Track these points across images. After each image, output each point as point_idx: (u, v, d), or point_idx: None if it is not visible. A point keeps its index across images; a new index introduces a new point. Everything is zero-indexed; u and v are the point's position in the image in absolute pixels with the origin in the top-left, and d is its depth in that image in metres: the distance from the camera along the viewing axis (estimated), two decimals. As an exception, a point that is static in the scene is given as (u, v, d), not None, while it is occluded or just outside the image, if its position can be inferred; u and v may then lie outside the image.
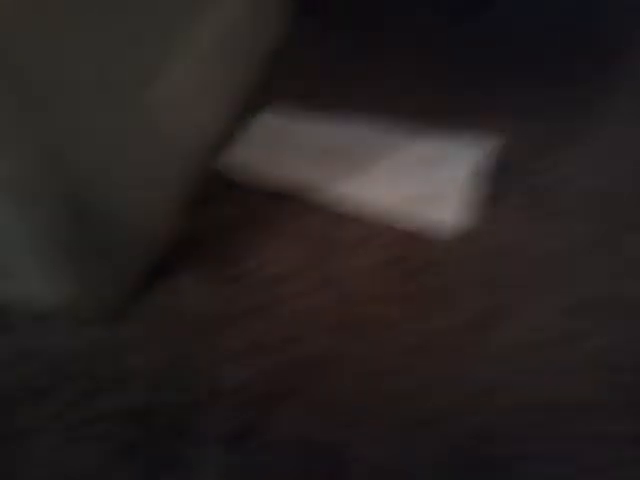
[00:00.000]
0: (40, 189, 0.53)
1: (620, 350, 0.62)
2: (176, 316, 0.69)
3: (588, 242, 0.72)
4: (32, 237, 0.57)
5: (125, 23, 0.58)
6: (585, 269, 0.70)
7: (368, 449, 0.56)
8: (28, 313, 0.67)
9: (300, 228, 0.77)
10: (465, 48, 1.00)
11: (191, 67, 0.77)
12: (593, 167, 0.81)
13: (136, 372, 0.63)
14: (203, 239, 0.78)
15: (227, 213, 0.80)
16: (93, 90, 0.55)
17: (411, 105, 0.91)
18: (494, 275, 0.70)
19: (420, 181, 0.81)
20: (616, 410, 0.57)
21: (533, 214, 0.76)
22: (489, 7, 1.08)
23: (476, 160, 0.82)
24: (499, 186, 0.79)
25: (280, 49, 1.02)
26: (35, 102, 0.48)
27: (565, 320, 0.65)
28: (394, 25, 1.09)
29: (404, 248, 0.74)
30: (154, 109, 0.67)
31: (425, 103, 0.91)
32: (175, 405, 0.60)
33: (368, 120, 0.90)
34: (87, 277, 0.62)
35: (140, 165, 0.66)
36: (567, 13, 1.05)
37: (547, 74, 0.94)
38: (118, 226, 0.63)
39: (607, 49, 0.99)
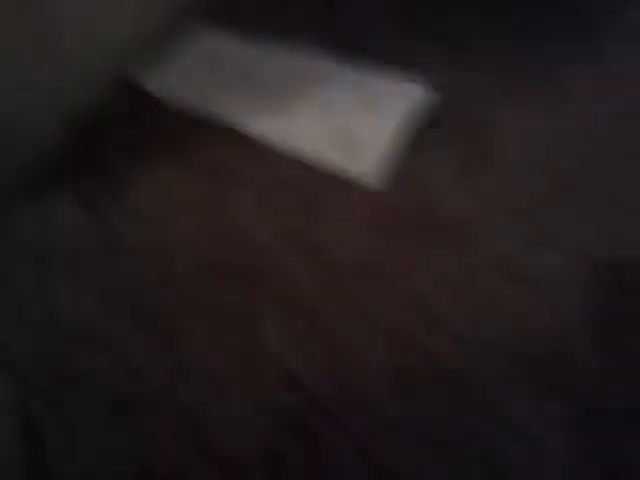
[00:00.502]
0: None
1: None
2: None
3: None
4: None
5: None
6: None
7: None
8: None
9: (205, 160, 0.72)
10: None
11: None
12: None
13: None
14: (95, 154, 0.72)
15: (131, 132, 0.74)
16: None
17: (356, 40, 0.85)
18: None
19: (351, 122, 0.74)
20: None
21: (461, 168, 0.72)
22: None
23: (411, 109, 0.75)
24: (428, 138, 0.75)
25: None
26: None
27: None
28: None
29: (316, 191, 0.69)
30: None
31: (372, 42, 0.85)
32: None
33: (303, 46, 0.82)
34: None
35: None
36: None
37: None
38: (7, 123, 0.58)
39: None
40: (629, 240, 0.62)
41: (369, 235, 0.65)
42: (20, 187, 0.66)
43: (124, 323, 0.58)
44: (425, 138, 0.73)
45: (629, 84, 0.76)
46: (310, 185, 0.69)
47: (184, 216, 0.67)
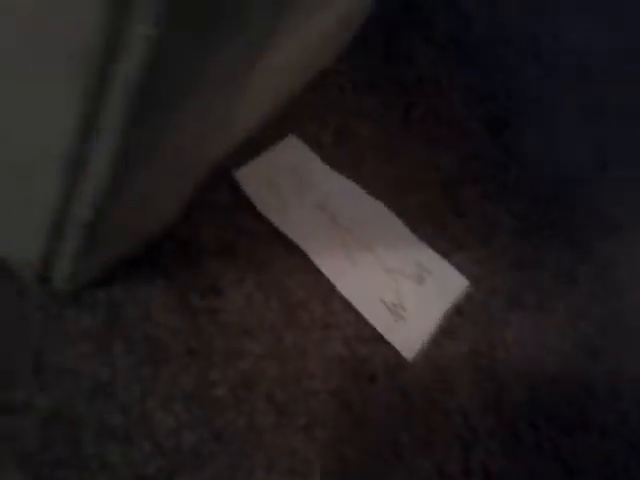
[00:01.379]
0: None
1: None
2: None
3: None
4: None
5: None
6: None
7: None
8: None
9: (280, 285, 0.79)
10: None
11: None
12: None
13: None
14: (189, 246, 0.76)
15: (221, 235, 0.80)
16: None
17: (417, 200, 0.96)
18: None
19: (405, 295, 0.85)
20: None
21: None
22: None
23: (457, 294, 0.88)
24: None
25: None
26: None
27: None
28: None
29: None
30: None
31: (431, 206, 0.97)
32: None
33: (375, 197, 0.92)
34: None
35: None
36: None
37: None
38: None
39: None
40: None
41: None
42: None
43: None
44: (449, 323, 0.86)
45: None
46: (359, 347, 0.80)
47: (258, 340, 0.74)
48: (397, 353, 0.79)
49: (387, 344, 0.80)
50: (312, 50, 0.90)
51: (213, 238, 0.77)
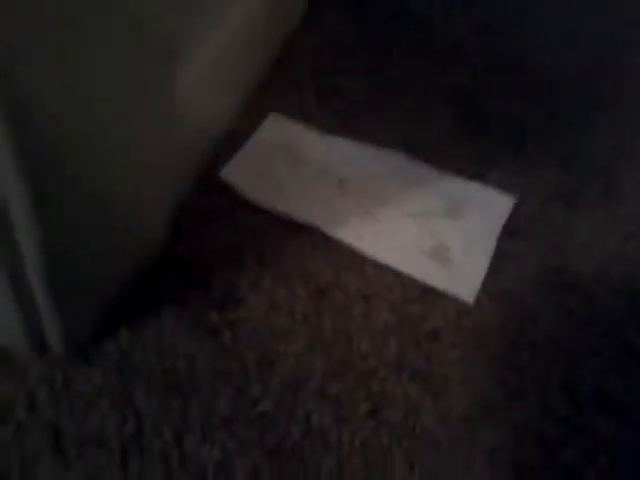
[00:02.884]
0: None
1: None
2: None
3: None
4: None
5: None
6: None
7: None
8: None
9: (300, 272, 0.70)
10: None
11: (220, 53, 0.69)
12: None
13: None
14: (192, 263, 0.69)
15: (222, 241, 0.72)
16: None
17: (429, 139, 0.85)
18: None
19: (445, 236, 0.74)
20: None
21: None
22: None
23: (500, 220, 0.76)
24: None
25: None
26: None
27: None
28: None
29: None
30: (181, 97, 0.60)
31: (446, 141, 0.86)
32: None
33: (379, 146, 0.81)
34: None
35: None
36: None
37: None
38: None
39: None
40: None
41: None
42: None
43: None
44: (505, 248, 0.75)
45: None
46: (409, 301, 0.70)
47: (294, 337, 0.67)
48: (456, 300, 0.69)
49: (441, 294, 0.70)
50: (265, 17, 0.83)
51: (215, 247, 0.70)
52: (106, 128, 0.48)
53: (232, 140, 0.79)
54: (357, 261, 0.71)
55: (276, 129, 0.81)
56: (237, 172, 0.76)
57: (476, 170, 0.81)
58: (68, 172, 0.47)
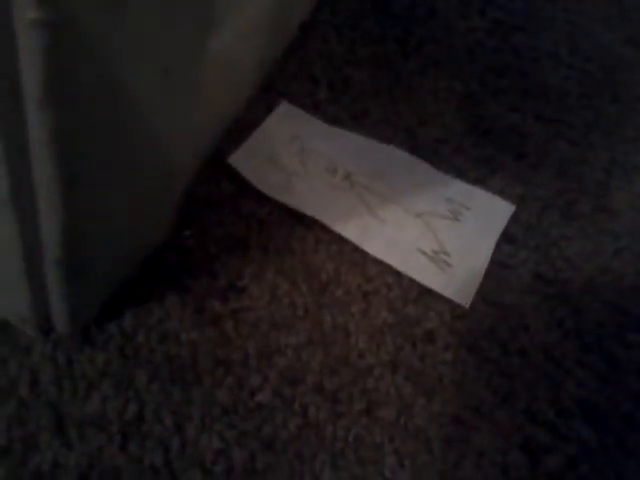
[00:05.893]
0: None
1: None
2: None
3: None
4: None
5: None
6: None
7: None
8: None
9: (303, 265, 0.71)
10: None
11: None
12: None
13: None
14: (197, 251, 0.70)
15: (228, 229, 0.73)
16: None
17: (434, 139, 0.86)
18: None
19: (445, 239, 0.75)
20: None
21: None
22: None
23: (500, 226, 0.78)
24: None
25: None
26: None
27: None
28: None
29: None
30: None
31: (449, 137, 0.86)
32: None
33: (386, 143, 0.82)
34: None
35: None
36: None
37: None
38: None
39: None
40: None
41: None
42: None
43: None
44: (501, 254, 0.77)
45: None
46: (406, 302, 0.72)
47: (294, 330, 0.68)
48: (452, 303, 0.71)
49: (438, 296, 0.71)
50: (283, 5, 0.82)
51: (220, 235, 0.71)
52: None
53: (241, 126, 0.79)
54: (359, 258, 0.72)
55: (286, 118, 0.81)
56: (245, 159, 0.76)
57: (477, 175, 0.82)
58: (100, 153, 0.47)
